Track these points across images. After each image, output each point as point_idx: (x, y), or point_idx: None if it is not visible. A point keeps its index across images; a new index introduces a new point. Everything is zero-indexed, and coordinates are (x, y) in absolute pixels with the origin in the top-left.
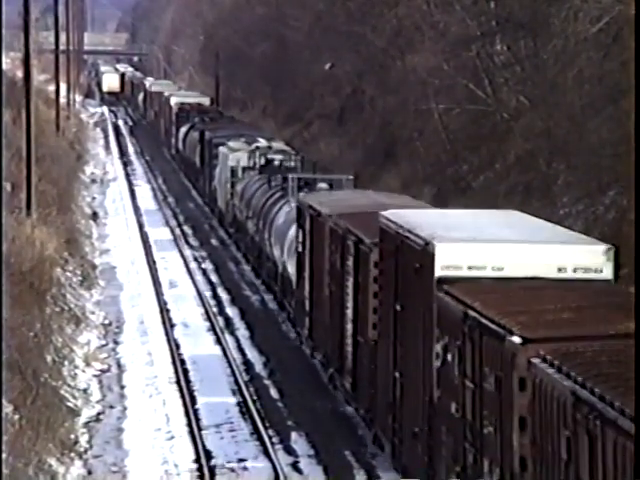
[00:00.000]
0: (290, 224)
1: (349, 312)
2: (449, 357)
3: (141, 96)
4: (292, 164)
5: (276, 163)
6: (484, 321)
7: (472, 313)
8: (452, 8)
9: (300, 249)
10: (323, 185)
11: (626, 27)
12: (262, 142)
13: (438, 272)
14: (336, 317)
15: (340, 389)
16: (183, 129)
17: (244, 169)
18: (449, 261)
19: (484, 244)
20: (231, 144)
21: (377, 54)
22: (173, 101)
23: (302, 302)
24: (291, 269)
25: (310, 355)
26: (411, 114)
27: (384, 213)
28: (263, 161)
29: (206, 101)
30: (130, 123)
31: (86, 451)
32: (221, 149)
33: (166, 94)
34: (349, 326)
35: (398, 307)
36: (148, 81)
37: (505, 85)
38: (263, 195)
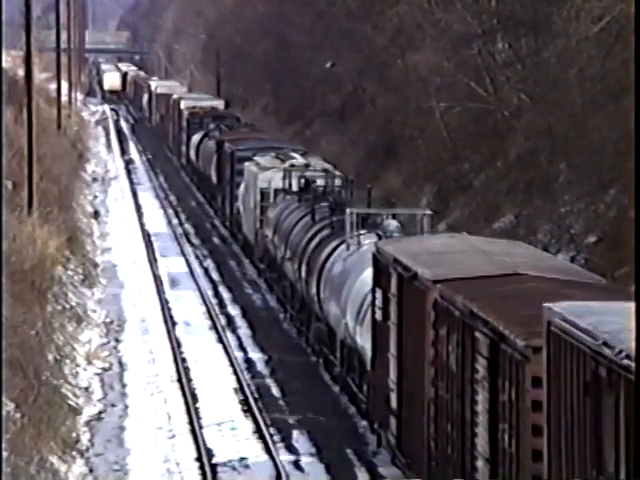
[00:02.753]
0: (353, 276)
1: (481, 444)
2: None
3: (146, 97)
4: (336, 186)
5: (317, 185)
6: None
7: None
8: (453, 6)
9: (379, 317)
10: (392, 223)
11: (627, 26)
12: (297, 158)
13: None
14: (452, 438)
15: None
16: (195, 137)
17: (277, 192)
18: None
19: None
20: (259, 160)
21: (378, 52)
22: (183, 105)
23: (384, 393)
24: (361, 339)
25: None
26: (412, 112)
27: (556, 307)
28: (301, 183)
29: (220, 105)
30: (131, 121)
31: (87, 449)
32: (247, 166)
33: (175, 97)
34: (480, 464)
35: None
36: (153, 81)
37: (506, 83)
38: (306, 230)
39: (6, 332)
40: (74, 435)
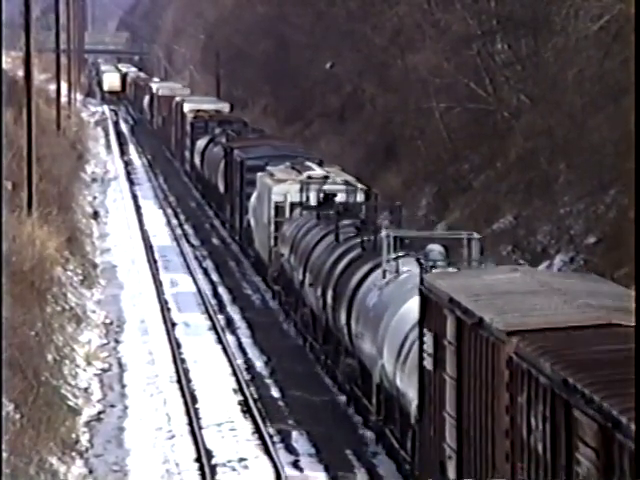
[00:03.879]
0: (391, 310)
1: None
2: None
3: (146, 99)
4: (358, 200)
5: (338, 200)
6: None
7: None
8: (453, 7)
9: (430, 366)
10: (436, 248)
11: (627, 25)
12: (313, 168)
13: None
14: None
15: None
16: (200, 142)
17: (293, 206)
18: None
19: None
20: (273, 170)
21: (378, 53)
22: (187, 108)
23: (438, 459)
24: (402, 385)
25: None
26: (412, 113)
27: None
28: (320, 196)
29: (225, 108)
30: (131, 122)
31: (87, 450)
32: (260, 177)
33: (178, 99)
34: None
35: None
36: (155, 83)
37: (506, 84)
38: (330, 252)
39: (6, 333)
40: (73, 436)
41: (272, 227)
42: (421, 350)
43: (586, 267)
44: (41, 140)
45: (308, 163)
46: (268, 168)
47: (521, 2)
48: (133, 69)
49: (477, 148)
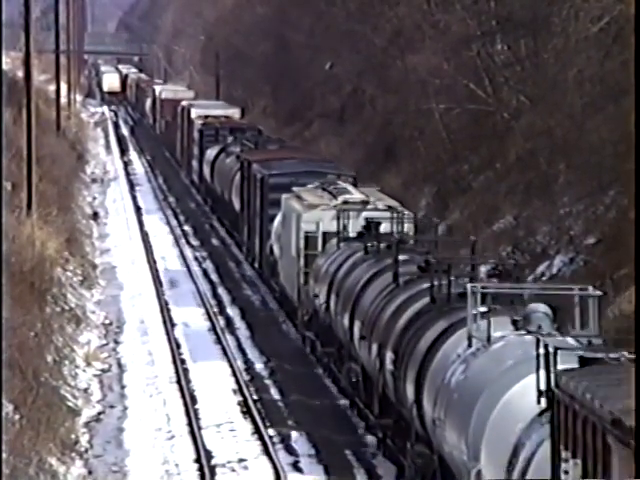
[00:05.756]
0: (488, 398)
1: None
2: None
3: (149, 102)
4: (405, 230)
5: (384, 229)
6: None
7: None
8: (452, 7)
9: None
10: (540, 308)
11: (627, 26)
12: (349, 190)
13: None
14: None
15: None
16: (210, 151)
17: (327, 236)
18: None
19: None
20: (301, 192)
21: (377, 53)
22: (195, 113)
23: None
24: None
25: None
26: (411, 114)
27: None
28: (359, 223)
29: (236, 113)
30: (131, 123)
31: (87, 451)
32: (286, 199)
33: (184, 103)
34: None
35: None
36: (158, 85)
37: (505, 84)
38: (387, 298)
39: (5, 333)
40: (73, 436)
41: (302, 261)
42: (555, 471)
43: (586, 268)
44: (41, 141)
45: (341, 183)
46: (295, 189)
47: (521, 3)
48: (134, 70)
49: (477, 149)
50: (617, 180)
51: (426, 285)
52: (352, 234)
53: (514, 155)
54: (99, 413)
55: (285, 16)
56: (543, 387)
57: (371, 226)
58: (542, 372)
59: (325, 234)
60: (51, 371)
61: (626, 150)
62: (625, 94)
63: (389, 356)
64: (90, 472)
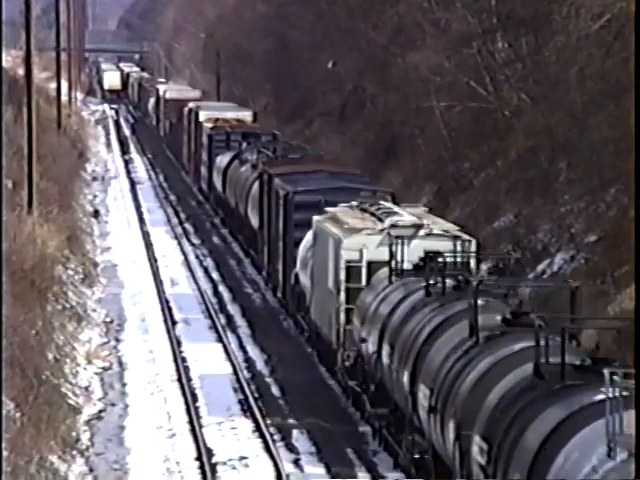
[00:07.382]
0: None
1: None
2: None
3: (152, 102)
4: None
5: (443, 260)
6: None
7: None
8: (453, 5)
9: None
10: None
11: (628, 24)
12: (396, 211)
13: None
14: None
15: None
16: (221, 158)
17: (372, 265)
18: None
19: None
20: (337, 213)
21: (378, 52)
22: (203, 116)
23: None
24: None
25: None
26: (412, 112)
27: None
28: (412, 252)
29: (248, 116)
30: (131, 121)
31: (88, 449)
32: (319, 222)
33: (191, 105)
34: None
35: None
36: (161, 85)
37: (506, 82)
38: (464, 360)
39: (6, 331)
40: (74, 434)
41: (342, 296)
42: None
43: (587, 265)
44: (41, 139)
45: (383, 203)
46: (330, 210)
47: (522, 0)
48: (135, 68)
49: (477, 147)
50: (618, 178)
51: (519, 346)
52: (406, 265)
53: (515, 153)
54: (100, 411)
55: (286, 14)
56: None
57: (430, 257)
58: None
59: (370, 264)
60: (52, 369)
61: (627, 148)
62: (626, 92)
63: (477, 443)
64: (91, 470)
